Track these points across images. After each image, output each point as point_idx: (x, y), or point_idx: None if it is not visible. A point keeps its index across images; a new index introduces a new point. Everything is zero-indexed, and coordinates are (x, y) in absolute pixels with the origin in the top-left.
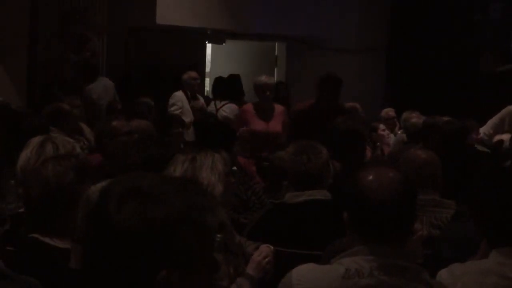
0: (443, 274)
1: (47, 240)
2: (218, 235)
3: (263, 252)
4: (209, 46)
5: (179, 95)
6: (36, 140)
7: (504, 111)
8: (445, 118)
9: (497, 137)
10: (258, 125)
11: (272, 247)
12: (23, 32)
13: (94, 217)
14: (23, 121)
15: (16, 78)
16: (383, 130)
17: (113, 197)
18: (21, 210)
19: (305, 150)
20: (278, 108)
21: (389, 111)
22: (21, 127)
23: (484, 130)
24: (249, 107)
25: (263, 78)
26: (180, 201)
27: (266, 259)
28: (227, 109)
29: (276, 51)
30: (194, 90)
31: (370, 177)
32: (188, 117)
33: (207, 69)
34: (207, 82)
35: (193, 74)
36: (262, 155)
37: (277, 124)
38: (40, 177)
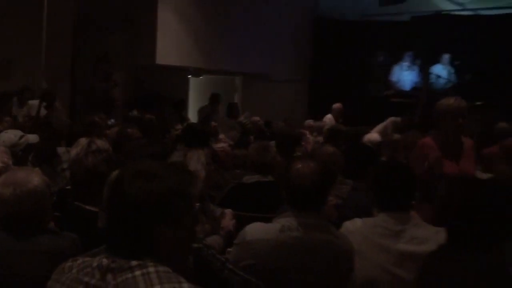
0: (347, 225)
1: (86, 206)
2: (198, 203)
3: (228, 215)
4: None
5: None
6: (83, 140)
7: (387, 121)
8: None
9: (368, 136)
10: (446, 165)
11: (233, 212)
12: (67, 69)
13: (113, 190)
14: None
15: (63, 101)
16: (307, 135)
17: (127, 176)
18: (68, 187)
19: (261, 147)
20: (467, 142)
21: (310, 122)
22: (67, 133)
23: (370, 133)
24: (429, 141)
25: (452, 101)
26: (173, 180)
27: (232, 222)
28: None
29: (236, 82)
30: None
31: (297, 166)
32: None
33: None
34: (190, 103)
35: None
36: None
37: (470, 164)
38: (83, 165)
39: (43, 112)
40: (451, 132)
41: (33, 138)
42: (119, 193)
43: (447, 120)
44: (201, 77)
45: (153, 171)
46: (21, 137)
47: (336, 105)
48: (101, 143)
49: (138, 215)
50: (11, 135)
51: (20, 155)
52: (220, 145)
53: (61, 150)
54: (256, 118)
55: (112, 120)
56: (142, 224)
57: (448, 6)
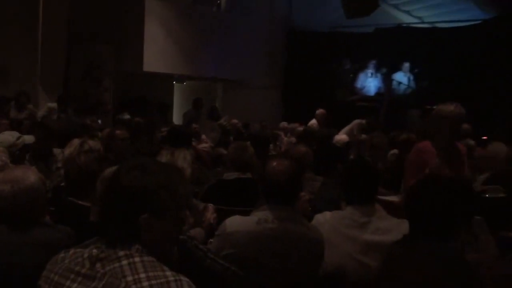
0: (318, 217)
1: (78, 202)
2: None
3: (210, 209)
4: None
5: None
6: (76, 141)
7: (353, 123)
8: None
9: (337, 137)
10: (445, 172)
11: (214, 206)
12: (61, 75)
13: (110, 182)
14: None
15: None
16: (281, 136)
17: (124, 168)
18: (62, 184)
19: (239, 146)
20: (462, 148)
21: (284, 124)
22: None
23: (338, 134)
24: (428, 146)
25: (453, 108)
26: (163, 175)
27: (213, 215)
28: None
29: (216, 88)
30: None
31: (273, 164)
32: None
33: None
34: (174, 107)
35: None
36: None
37: (464, 169)
38: (76, 164)
39: (13, 113)
40: (449, 138)
41: (29, 138)
42: (115, 181)
43: (446, 126)
44: (184, 83)
45: (145, 166)
46: (18, 138)
47: (320, 111)
48: (93, 143)
49: (128, 201)
50: (9, 136)
51: (17, 155)
52: (202, 145)
53: (57, 150)
54: (235, 121)
55: (99, 121)
56: (129, 210)
57: (408, 19)
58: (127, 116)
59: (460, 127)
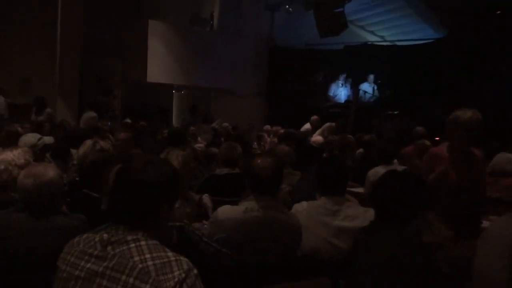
0: (296, 206)
1: (91, 193)
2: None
3: (206, 198)
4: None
5: None
6: (89, 141)
7: (324, 126)
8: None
9: (312, 139)
10: (457, 174)
11: (209, 197)
12: (76, 86)
13: (121, 173)
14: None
15: (72, 110)
16: (265, 137)
17: (137, 164)
18: (77, 178)
19: (229, 146)
20: (478, 153)
21: (268, 127)
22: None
23: (314, 136)
24: (440, 151)
25: (470, 114)
26: (168, 170)
27: (209, 201)
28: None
29: (210, 96)
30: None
31: (258, 161)
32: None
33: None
34: (174, 112)
35: None
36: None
37: (479, 174)
38: (89, 161)
39: (33, 116)
40: (464, 143)
41: (49, 139)
42: (129, 176)
43: (462, 131)
44: (182, 92)
45: (154, 162)
46: (39, 139)
47: (314, 117)
48: (103, 143)
49: (142, 196)
50: (31, 137)
51: (38, 154)
52: (198, 145)
53: (73, 150)
54: (226, 124)
55: (109, 124)
56: (142, 203)
57: (372, 38)
58: (128, 120)
59: (478, 133)
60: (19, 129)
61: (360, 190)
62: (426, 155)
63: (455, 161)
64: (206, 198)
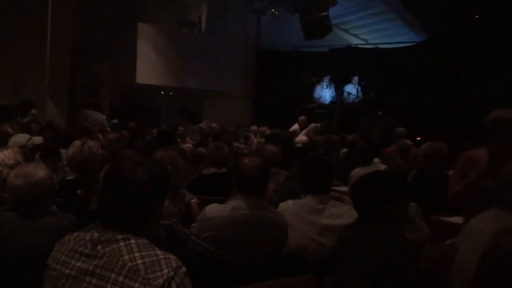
0: (282, 205)
1: (80, 193)
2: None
3: (193, 206)
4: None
5: None
6: (78, 142)
7: (309, 126)
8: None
9: (298, 139)
10: (485, 184)
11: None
12: (66, 87)
13: (111, 175)
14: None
15: (62, 110)
16: (252, 137)
17: (126, 166)
18: (66, 178)
19: (216, 146)
20: None
21: (254, 127)
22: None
23: (299, 136)
24: (476, 155)
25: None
26: (158, 170)
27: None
28: None
29: (198, 97)
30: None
31: (245, 161)
32: None
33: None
34: (162, 113)
35: None
36: None
37: None
38: (77, 161)
39: (18, 118)
40: (506, 145)
41: (38, 139)
42: (119, 179)
43: (503, 132)
44: (171, 93)
45: (144, 164)
46: (28, 139)
47: (302, 118)
48: (92, 143)
49: (132, 198)
50: (21, 138)
51: (28, 154)
52: (186, 145)
53: (62, 150)
54: (214, 125)
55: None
56: (133, 205)
57: (356, 41)
58: (115, 121)
59: None
60: (9, 129)
61: (344, 188)
62: (460, 158)
63: (493, 163)
64: (194, 203)
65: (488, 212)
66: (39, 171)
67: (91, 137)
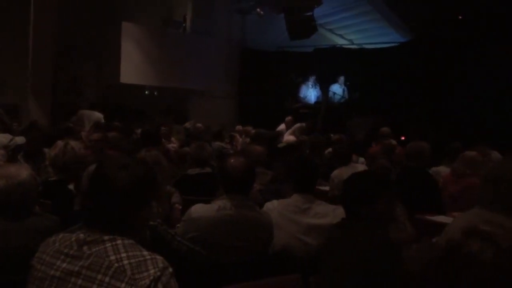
0: (267, 204)
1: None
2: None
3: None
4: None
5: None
6: (60, 142)
7: (294, 126)
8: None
9: (285, 139)
10: None
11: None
12: (48, 87)
13: (96, 179)
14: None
15: (45, 109)
16: (236, 137)
17: (111, 168)
18: (50, 179)
19: (199, 146)
20: None
21: (239, 127)
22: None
23: (285, 135)
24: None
25: None
26: (142, 172)
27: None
28: None
29: (182, 97)
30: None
31: (231, 161)
32: None
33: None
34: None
35: None
36: None
37: None
38: (61, 161)
39: None
40: None
41: (20, 139)
42: (104, 181)
43: None
44: (155, 93)
45: (128, 166)
46: (10, 140)
47: (288, 118)
48: (75, 144)
49: (117, 200)
50: (2, 138)
51: (11, 154)
52: (171, 145)
53: (46, 150)
54: (199, 124)
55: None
56: (118, 207)
57: (341, 41)
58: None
59: None
60: None
61: (326, 188)
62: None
63: None
64: (177, 208)
65: (471, 211)
66: (22, 171)
67: (74, 137)
